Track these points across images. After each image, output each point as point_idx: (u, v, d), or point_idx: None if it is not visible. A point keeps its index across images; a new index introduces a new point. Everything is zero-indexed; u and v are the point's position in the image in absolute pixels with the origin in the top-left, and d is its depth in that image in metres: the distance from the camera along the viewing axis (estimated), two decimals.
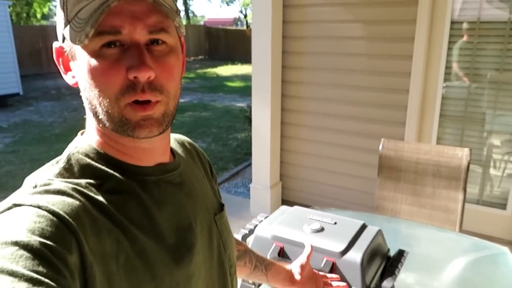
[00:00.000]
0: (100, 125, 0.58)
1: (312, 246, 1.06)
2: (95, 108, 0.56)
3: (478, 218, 2.77)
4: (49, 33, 13.19)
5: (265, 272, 1.00)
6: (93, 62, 0.53)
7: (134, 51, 0.53)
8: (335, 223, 1.25)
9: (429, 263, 1.43)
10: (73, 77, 0.59)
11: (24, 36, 12.26)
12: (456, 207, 1.96)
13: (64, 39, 0.57)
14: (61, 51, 0.59)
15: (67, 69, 0.60)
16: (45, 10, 21.34)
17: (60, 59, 0.60)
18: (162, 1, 0.54)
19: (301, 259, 1.04)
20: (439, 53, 2.71)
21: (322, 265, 1.12)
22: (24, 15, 18.97)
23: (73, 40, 0.53)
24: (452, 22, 2.65)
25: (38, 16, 21.02)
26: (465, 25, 2.65)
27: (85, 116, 0.61)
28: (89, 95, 0.56)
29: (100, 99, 0.54)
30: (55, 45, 0.60)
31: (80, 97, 0.58)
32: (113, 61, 0.53)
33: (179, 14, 0.58)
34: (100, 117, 0.56)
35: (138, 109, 0.55)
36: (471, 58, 2.69)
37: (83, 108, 0.61)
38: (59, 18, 0.57)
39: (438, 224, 1.97)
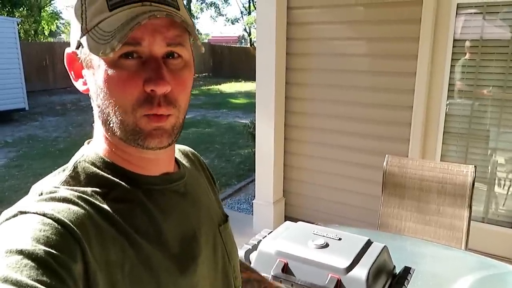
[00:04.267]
0: (109, 134, 0.58)
1: None
2: (108, 116, 0.56)
3: (484, 237, 2.73)
4: (56, 50, 13.39)
5: None
6: (111, 71, 0.53)
7: (153, 64, 0.54)
8: (339, 239, 1.24)
9: (435, 281, 1.41)
10: (85, 84, 0.59)
11: (32, 53, 12.44)
12: (461, 225, 1.94)
13: (78, 46, 0.57)
14: (74, 57, 0.59)
15: (78, 75, 0.60)
16: (53, 27, 21.74)
17: (71, 65, 0.60)
18: (182, 17, 0.55)
19: None
20: (442, 70, 2.73)
21: (326, 281, 1.11)
22: (32, 32, 19.30)
23: (94, 51, 0.53)
24: (455, 40, 2.67)
25: (46, 33, 21.39)
26: (467, 43, 2.67)
27: (92, 124, 0.62)
28: (103, 103, 0.56)
29: (116, 108, 0.55)
30: (68, 50, 0.59)
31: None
32: (131, 72, 0.54)
33: (195, 29, 0.59)
34: (111, 125, 0.56)
35: (154, 119, 0.55)
36: (474, 75, 2.71)
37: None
38: (75, 26, 0.57)
39: (443, 242, 1.95)
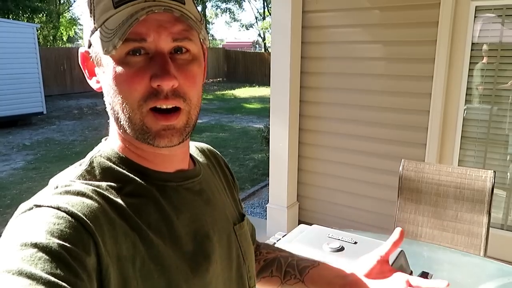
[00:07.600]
0: (121, 130, 0.59)
1: (402, 231, 0.73)
2: (118, 113, 0.57)
3: (503, 244, 2.67)
4: (74, 55, 13.65)
5: (299, 277, 0.81)
6: (119, 69, 0.54)
7: (159, 59, 0.54)
8: (355, 242, 1.23)
9: None
10: (98, 82, 0.60)
11: (50, 58, 12.73)
12: (480, 231, 1.90)
13: (90, 45, 0.58)
14: (86, 56, 0.60)
15: (92, 74, 0.61)
16: (71, 33, 22.19)
17: (85, 64, 0.61)
18: (188, 13, 0.55)
19: (379, 252, 0.74)
20: (460, 74, 2.69)
21: None
22: (51, 37, 19.71)
23: (100, 49, 0.54)
24: (473, 44, 2.63)
25: (64, 38, 21.83)
26: (486, 47, 2.63)
27: (107, 121, 0.62)
28: (113, 101, 0.57)
29: (123, 105, 0.55)
30: (81, 50, 0.61)
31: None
32: (138, 69, 0.54)
33: (203, 24, 0.59)
34: (121, 122, 0.57)
35: (160, 118, 0.55)
36: (493, 79, 2.66)
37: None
38: (86, 25, 0.58)
39: (461, 248, 1.91)
